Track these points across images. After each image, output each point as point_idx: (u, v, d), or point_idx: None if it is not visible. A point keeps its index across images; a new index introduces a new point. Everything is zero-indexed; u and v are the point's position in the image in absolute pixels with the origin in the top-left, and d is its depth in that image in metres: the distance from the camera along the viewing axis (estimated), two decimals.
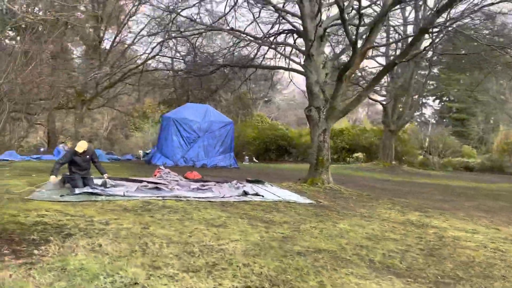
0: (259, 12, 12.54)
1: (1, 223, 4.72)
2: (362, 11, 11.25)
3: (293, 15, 12.01)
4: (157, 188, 8.05)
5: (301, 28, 11.50)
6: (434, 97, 44.56)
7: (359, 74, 21.30)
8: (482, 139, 39.60)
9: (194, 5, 12.83)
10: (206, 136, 16.78)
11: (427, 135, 31.46)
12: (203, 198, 7.44)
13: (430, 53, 17.90)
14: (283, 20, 13.07)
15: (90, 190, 7.26)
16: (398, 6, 13.14)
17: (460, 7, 11.10)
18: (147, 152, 21.08)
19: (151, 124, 28.57)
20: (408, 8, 20.87)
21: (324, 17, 11.28)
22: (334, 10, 13.26)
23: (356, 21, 11.53)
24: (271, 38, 13.40)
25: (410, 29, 22.69)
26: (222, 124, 17.26)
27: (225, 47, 16.10)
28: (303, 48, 12.19)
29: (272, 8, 12.23)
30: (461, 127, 40.40)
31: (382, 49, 21.59)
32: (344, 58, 15.58)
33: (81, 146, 7.97)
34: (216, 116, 17.65)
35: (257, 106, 30.52)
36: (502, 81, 28.82)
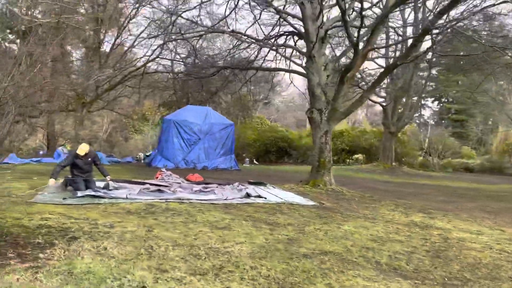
0: (260, 14, 12.53)
1: (5, 226, 4.69)
2: (363, 13, 11.29)
3: (294, 17, 12.01)
4: (159, 190, 8.03)
5: (302, 30, 11.50)
6: (433, 99, 44.62)
7: (359, 76, 21.30)
8: (481, 140, 39.65)
9: (194, 7, 12.84)
10: (206, 138, 16.76)
11: (426, 136, 31.50)
12: (206, 200, 7.42)
13: (429, 55, 17.97)
14: (283, 22, 13.07)
15: (93, 193, 7.24)
16: (397, 8, 13.10)
17: (459, 8, 11.17)
18: (148, 154, 21.06)
19: (151, 127, 28.55)
20: (408, 10, 20.90)
21: (324, 18, 11.26)
22: (335, 12, 13.28)
23: (356, 23, 11.59)
24: (272, 40, 13.40)
25: (409, 30, 22.78)
26: (222, 126, 17.25)
27: (225, 49, 16.10)
28: (304, 50, 12.20)
29: (272, 10, 12.23)
30: (460, 128, 40.46)
31: (382, 51, 21.58)
32: (344, 60, 15.57)
33: (83, 149, 7.95)
34: (216, 118, 17.64)
35: (256, 108, 30.49)
36: (501, 82, 28.88)
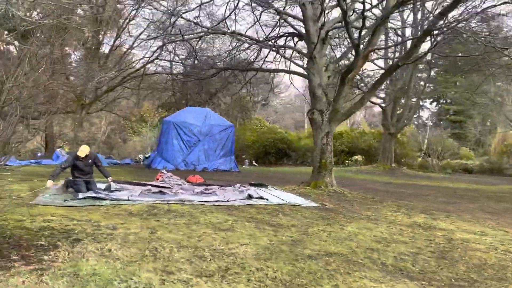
0: (260, 15, 12.52)
1: (7, 228, 4.65)
2: (365, 14, 11.29)
3: (295, 18, 12.01)
4: (161, 192, 7.99)
5: (303, 31, 11.49)
6: (431, 100, 44.71)
7: (358, 77, 21.30)
8: (479, 141, 39.75)
9: (194, 8, 12.82)
10: (206, 139, 16.72)
11: (425, 137, 31.54)
12: (208, 202, 7.39)
13: (428, 56, 17.99)
14: (283, 23, 13.07)
15: (94, 195, 7.21)
16: (398, 9, 13.11)
17: (458, 10, 11.18)
18: (147, 156, 21.01)
19: (149, 128, 28.49)
20: (407, 11, 20.92)
21: (325, 19, 11.24)
22: (335, 14, 13.28)
23: (357, 24, 11.61)
24: (272, 41, 13.39)
25: (408, 31, 22.82)
26: (222, 127, 17.22)
27: (225, 50, 16.08)
28: (304, 51, 12.20)
29: (273, 11, 12.22)
30: (459, 129, 40.56)
31: (380, 52, 21.60)
32: (342, 61, 15.55)
33: (83, 150, 7.91)
34: (216, 120, 17.61)
35: (255, 110, 30.48)
36: (499, 83, 28.98)
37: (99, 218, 5.63)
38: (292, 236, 5.22)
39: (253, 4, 11.66)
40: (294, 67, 13.69)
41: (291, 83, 15.45)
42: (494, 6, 8.81)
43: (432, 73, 28.65)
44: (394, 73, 20.43)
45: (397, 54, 22.48)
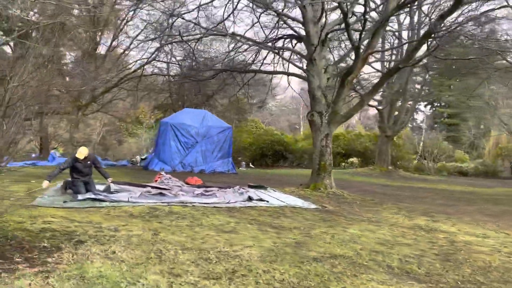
0: (259, 16, 12.51)
1: (8, 230, 4.59)
2: (366, 16, 11.31)
3: (294, 19, 12.01)
4: (161, 194, 7.94)
5: (302, 33, 11.50)
6: (425, 103, 44.95)
7: (355, 79, 21.35)
8: (473, 144, 40.01)
9: (193, 9, 12.78)
10: (204, 141, 16.67)
11: (421, 140, 31.71)
12: (208, 203, 7.36)
13: (424, 59, 18.05)
14: (282, 25, 13.07)
15: (93, 196, 7.15)
16: (398, 11, 13.17)
17: (453, 14, 11.24)
18: (143, 157, 20.91)
19: (145, 130, 28.38)
20: (403, 14, 21.01)
21: (325, 21, 11.25)
22: (334, 16, 13.29)
23: (356, 26, 11.63)
24: (270, 43, 13.37)
25: (404, 34, 22.90)
26: (220, 129, 17.17)
27: (223, 52, 16.06)
28: (303, 53, 12.20)
29: (272, 13, 12.21)
30: (454, 132, 40.81)
31: (377, 54, 21.70)
32: (341, 63, 15.57)
33: (82, 152, 7.85)
34: (214, 121, 17.56)
35: (252, 112, 30.48)
36: (493, 86, 29.19)
37: (100, 220, 5.58)
38: (296, 238, 5.20)
39: (253, 6, 11.64)
40: (292, 69, 13.68)
41: (289, 84, 15.44)
42: (494, 9, 8.88)
43: (427, 76, 28.83)
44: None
45: (393, 57, 22.62)
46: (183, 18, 12.70)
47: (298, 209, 7.55)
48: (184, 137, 16.41)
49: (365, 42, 10.49)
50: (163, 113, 27.78)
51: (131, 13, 18.63)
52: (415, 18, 21.67)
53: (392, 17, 19.22)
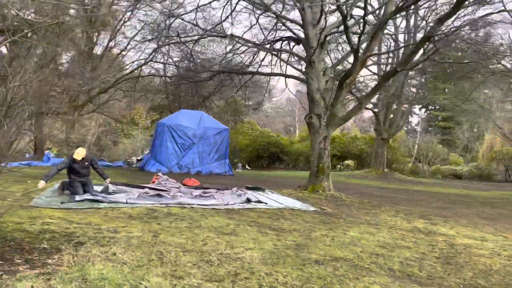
0: (257, 18, 12.49)
1: (7, 231, 4.54)
2: (366, 19, 11.33)
3: (293, 22, 12.01)
4: (159, 195, 7.90)
5: (301, 35, 11.51)
6: (420, 106, 45.19)
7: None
8: (467, 147, 40.27)
9: (191, 11, 12.75)
10: (201, 142, 16.63)
11: (416, 143, 31.86)
12: (207, 205, 7.32)
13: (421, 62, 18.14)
14: (281, 27, 13.08)
15: (91, 197, 7.09)
16: (397, 14, 13.23)
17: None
18: (139, 158, 20.81)
19: (140, 131, 28.27)
20: (399, 17, 21.12)
21: (323, 24, 11.27)
22: (332, 19, 13.32)
23: (354, 29, 11.66)
24: (268, 45, 13.38)
25: (400, 37, 23.01)
26: (217, 130, 17.14)
27: (221, 54, 16.04)
28: (302, 55, 12.21)
29: (270, 14, 12.22)
30: (448, 135, 41.05)
31: (374, 57, 21.76)
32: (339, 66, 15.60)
33: (79, 153, 7.79)
34: (211, 123, 17.53)
35: (248, 113, 30.49)
36: (486, 90, 29.42)
37: (99, 221, 5.54)
38: (296, 241, 5.18)
39: (252, 7, 11.63)
40: (289, 71, 13.70)
41: (286, 86, 15.45)
42: (492, 13, 8.95)
43: (423, 79, 28.99)
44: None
45: (389, 60, 22.72)
46: (182, 19, 12.67)
47: (297, 211, 7.54)
48: (181, 138, 16.36)
49: (363, 45, 10.52)
50: (159, 114, 27.70)
51: (129, 13, 18.57)
52: (411, 22, 21.81)
53: (389, 20, 19.35)
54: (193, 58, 16.14)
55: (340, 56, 15.94)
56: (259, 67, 15.03)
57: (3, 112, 3.28)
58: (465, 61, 10.68)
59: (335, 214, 7.61)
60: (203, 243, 4.71)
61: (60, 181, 8.25)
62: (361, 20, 9.02)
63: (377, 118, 23.72)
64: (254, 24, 12.74)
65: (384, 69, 22.03)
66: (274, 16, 11.93)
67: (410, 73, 24.18)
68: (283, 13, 12.91)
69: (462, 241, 5.86)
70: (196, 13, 13.05)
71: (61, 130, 26.36)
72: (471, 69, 13.54)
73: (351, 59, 13.62)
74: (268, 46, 13.11)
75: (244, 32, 16.83)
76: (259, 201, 8.09)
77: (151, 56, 18.72)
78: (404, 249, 5.15)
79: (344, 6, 8.43)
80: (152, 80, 23.78)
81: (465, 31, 13.47)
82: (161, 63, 21.84)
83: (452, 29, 8.30)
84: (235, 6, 12.24)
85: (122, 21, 19.89)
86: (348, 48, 17.84)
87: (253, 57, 14.60)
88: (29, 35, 15.49)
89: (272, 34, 13.62)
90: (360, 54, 9.21)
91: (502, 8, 10.08)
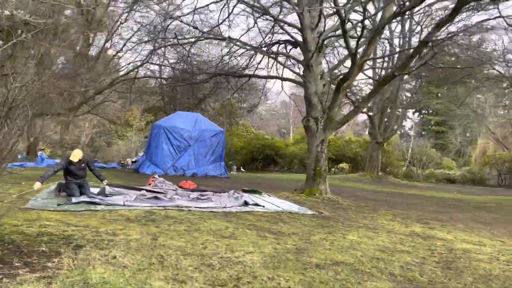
0: (255, 21, 12.49)
1: (5, 233, 4.48)
2: (364, 23, 11.38)
3: (291, 25, 12.03)
4: (156, 197, 7.85)
5: (298, 39, 11.53)
6: (413, 110, 45.47)
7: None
8: (460, 151, 40.59)
9: (189, 13, 12.73)
10: (196, 144, 16.57)
11: (410, 147, 32.05)
12: (205, 208, 7.29)
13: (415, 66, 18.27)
14: (279, 31, 13.10)
15: (88, 199, 7.03)
16: (394, 19, 13.31)
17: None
18: (134, 160, 20.69)
19: (134, 132, 28.14)
20: (394, 21, 21.25)
21: (322, 28, 11.30)
22: (329, 22, 13.34)
23: (350, 33, 11.70)
24: (265, 48, 13.39)
25: (395, 42, 23.15)
26: (213, 132, 17.09)
27: (218, 56, 16.02)
28: (299, 58, 12.23)
29: (268, 18, 12.22)
30: (440, 139, 41.33)
31: (369, 61, 21.89)
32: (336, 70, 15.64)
33: (76, 155, 7.71)
34: (207, 125, 17.47)
35: (243, 116, 30.49)
36: (479, 95, 29.74)
37: (97, 224, 5.49)
38: (296, 244, 5.17)
39: (249, 10, 11.64)
40: (286, 74, 13.72)
41: (283, 89, 15.47)
42: (488, 19, 9.04)
43: (419, 84, 29.20)
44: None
45: (385, 64, 22.85)
46: (181, 21, 12.64)
47: (295, 215, 7.53)
48: (176, 140, 16.30)
49: (360, 50, 10.55)
50: (154, 116, 27.60)
51: (125, 14, 18.49)
52: (406, 26, 21.96)
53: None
54: (190, 60, 16.09)
55: (335, 60, 16.02)
56: (255, 69, 15.05)
57: (3, 113, 3.23)
58: (462, 67, 10.76)
59: (332, 218, 7.61)
60: (203, 247, 4.68)
61: (56, 182, 8.17)
62: (359, 25, 9.04)
63: (372, 122, 23.81)
64: (252, 27, 12.75)
65: (379, 73, 22.16)
66: (272, 19, 11.93)
67: (405, 77, 24.36)
68: (281, 16, 12.93)
69: (461, 245, 5.88)
70: (193, 15, 13.03)
71: (54, 131, 26.16)
72: (466, 74, 13.66)
73: (347, 63, 13.71)
74: (265, 49, 13.11)
75: (241, 35, 16.89)
76: (257, 204, 8.07)
77: (147, 58, 18.64)
78: (404, 253, 5.16)
79: (342, 11, 8.46)
80: (147, 81, 23.68)
81: (460, 37, 13.62)
82: (157, 64, 21.78)
83: (450, 35, 8.39)
84: (233, 9, 12.25)
85: (119, 22, 19.80)
86: (344, 52, 17.97)
87: (250, 60, 14.60)
88: (24, 36, 15.36)
89: (269, 37, 13.64)
90: (358, 58, 9.23)
91: (498, 14, 10.16)
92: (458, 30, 8.73)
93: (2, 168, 3.34)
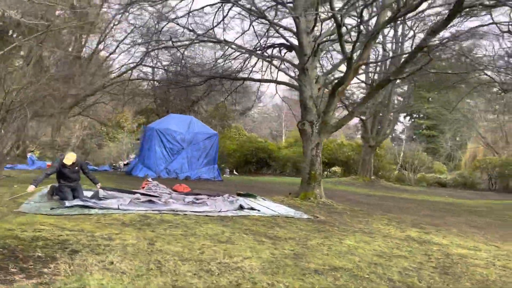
0: (250, 24, 12.50)
1: None
2: (351, 28, 11.47)
3: (287, 29, 12.03)
4: (150, 201, 7.77)
5: (294, 42, 11.55)
6: (404, 114, 45.79)
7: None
8: (450, 155, 40.96)
9: (183, 15, 12.67)
10: (190, 147, 16.47)
11: (401, 151, 32.24)
12: (200, 212, 7.24)
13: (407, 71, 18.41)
14: (274, 34, 13.10)
15: (81, 203, 6.93)
16: (389, 24, 13.40)
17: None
18: (126, 163, 20.53)
19: (126, 134, 27.94)
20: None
21: (318, 32, 11.35)
22: (325, 27, 13.38)
23: (345, 37, 11.74)
24: (260, 51, 13.39)
25: (388, 46, 23.31)
26: (206, 135, 17.02)
27: (211, 58, 15.99)
28: (294, 62, 12.23)
29: (263, 21, 12.23)
30: (431, 143, 41.66)
31: (362, 66, 22.00)
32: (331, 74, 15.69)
33: (70, 158, 7.63)
34: (200, 128, 17.39)
35: (236, 118, 30.46)
36: (469, 100, 30.04)
37: (92, 228, 5.41)
38: (293, 249, 5.15)
39: (245, 13, 11.64)
40: (281, 77, 13.72)
41: (277, 92, 15.47)
42: (483, 25, 9.14)
43: (407, 88, 29.44)
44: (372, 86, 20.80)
45: (378, 69, 23.01)
46: (177, 24, 12.59)
47: (291, 219, 7.51)
48: (169, 143, 16.20)
49: (355, 54, 10.59)
50: (146, 118, 27.45)
51: (119, 16, 18.37)
52: (399, 31, 22.15)
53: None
54: (184, 62, 16.03)
55: (328, 64, 16.08)
56: (250, 73, 15.04)
57: (0, 116, 3.18)
58: (457, 72, 10.87)
59: (328, 222, 7.60)
60: (200, 252, 4.64)
61: (49, 185, 8.06)
62: (354, 29, 9.07)
63: (365, 126, 23.93)
64: (247, 30, 12.75)
65: (372, 77, 22.30)
66: (268, 23, 11.94)
67: (397, 81, 24.54)
68: (276, 20, 12.94)
69: (456, 250, 5.91)
70: (188, 18, 12.99)
71: (43, 133, 25.85)
72: (458, 80, 13.79)
73: (341, 67, 13.78)
74: (260, 52, 13.11)
75: (236, 38, 16.85)
76: (252, 208, 8.04)
77: (141, 60, 18.53)
78: (401, 258, 5.16)
79: (338, 15, 8.49)
80: (140, 83, 23.54)
81: (452, 42, 13.77)
82: (150, 66, 21.69)
83: (445, 40, 8.48)
84: (228, 12, 12.25)
85: (112, 24, 19.67)
86: (337, 56, 18.05)
87: (244, 63, 14.59)
88: (15, 36, 15.22)
89: (264, 41, 13.64)
90: (353, 62, 9.27)
91: (490, 20, 10.27)
92: (454, 36, 8.81)
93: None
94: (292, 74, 13.22)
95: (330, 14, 10.02)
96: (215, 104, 23.77)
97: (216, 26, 12.95)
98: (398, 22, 19.72)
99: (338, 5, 11.51)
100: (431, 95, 28.34)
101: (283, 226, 6.79)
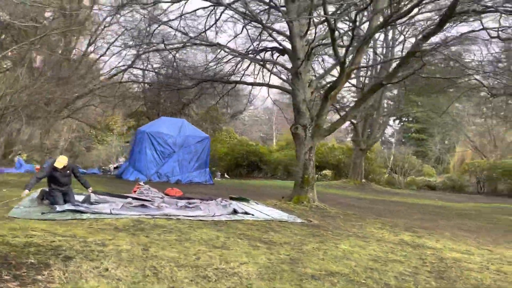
0: (242, 28, 12.51)
1: None
2: (343, 32, 11.52)
3: (280, 33, 12.06)
4: (143, 205, 7.69)
5: (286, 46, 11.57)
6: (394, 118, 46.15)
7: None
8: (439, 159, 41.39)
9: (175, 18, 12.63)
10: (181, 151, 16.36)
11: (391, 154, 32.49)
12: (193, 217, 7.18)
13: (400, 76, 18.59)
14: (267, 38, 13.13)
15: (73, 207, 6.83)
16: (382, 29, 13.51)
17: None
18: (116, 166, 20.32)
19: (115, 137, 27.70)
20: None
21: (311, 36, 11.38)
22: (318, 31, 13.42)
23: (338, 41, 11.80)
24: (252, 55, 13.39)
25: (378, 51, 23.51)
26: (198, 138, 16.93)
27: (203, 62, 15.95)
28: (287, 66, 12.25)
29: (256, 25, 12.23)
30: (421, 147, 42.06)
31: (355, 70, 22.16)
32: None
33: (61, 161, 7.50)
34: (191, 131, 17.29)
35: (227, 122, 30.41)
36: (457, 104, 30.40)
37: (84, 233, 5.33)
38: (289, 254, 5.12)
39: (238, 16, 11.64)
40: (273, 81, 13.74)
41: (269, 95, 15.49)
42: (474, 31, 9.25)
43: (396, 92, 29.70)
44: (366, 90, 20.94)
45: (369, 73, 23.17)
46: (170, 27, 12.54)
47: (285, 223, 7.49)
48: (161, 146, 16.07)
49: (347, 59, 10.64)
50: (136, 121, 27.25)
51: (109, 18, 18.24)
52: (389, 35, 22.38)
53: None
54: (177, 65, 15.96)
55: (319, 68, 16.15)
56: (242, 76, 15.03)
57: None
58: (448, 77, 11.00)
59: (322, 226, 7.60)
60: (196, 257, 4.59)
61: (39, 189, 7.93)
62: (347, 34, 9.11)
63: (356, 129, 24.06)
64: (239, 33, 12.76)
65: (363, 81, 22.45)
66: (261, 26, 11.95)
67: (388, 85, 24.75)
68: (268, 23, 12.96)
69: (450, 254, 5.94)
70: (180, 21, 12.95)
71: (37, 136, 25.47)
72: (448, 84, 13.95)
73: (333, 72, 13.83)
74: (252, 55, 13.11)
75: (228, 41, 16.86)
76: (246, 213, 8.01)
77: (132, 63, 18.40)
78: (397, 263, 5.17)
79: (332, 20, 8.52)
80: (130, 86, 23.37)
81: (442, 47, 13.96)
82: (141, 69, 21.54)
83: (437, 45, 8.57)
84: (220, 15, 12.23)
85: (103, 26, 19.50)
86: (329, 61, 18.13)
87: (236, 66, 14.57)
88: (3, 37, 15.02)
89: (256, 44, 13.65)
90: (346, 67, 9.31)
91: (480, 26, 10.38)
92: (446, 41, 8.92)
93: None
94: (285, 77, 13.23)
95: (323, 19, 10.04)
96: (206, 107, 23.68)
97: (208, 29, 12.94)
98: (389, 27, 19.94)
99: (331, 9, 11.57)
100: (421, 99, 28.65)
101: (278, 230, 6.77)
